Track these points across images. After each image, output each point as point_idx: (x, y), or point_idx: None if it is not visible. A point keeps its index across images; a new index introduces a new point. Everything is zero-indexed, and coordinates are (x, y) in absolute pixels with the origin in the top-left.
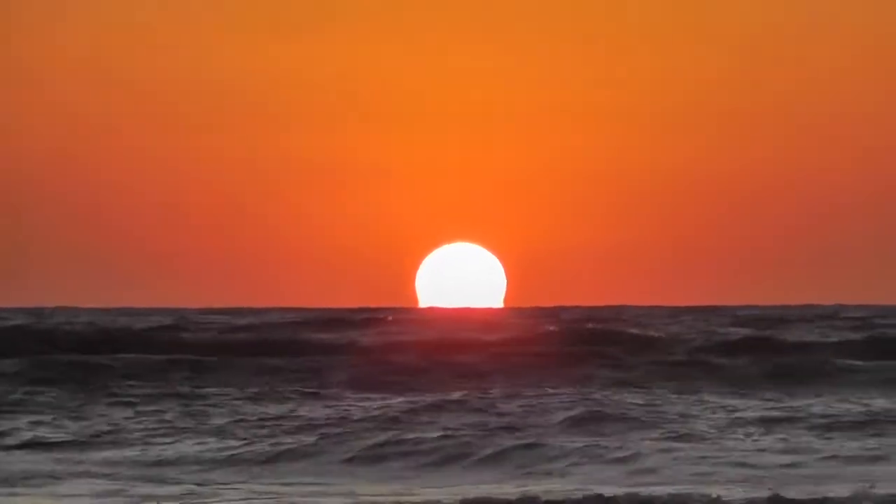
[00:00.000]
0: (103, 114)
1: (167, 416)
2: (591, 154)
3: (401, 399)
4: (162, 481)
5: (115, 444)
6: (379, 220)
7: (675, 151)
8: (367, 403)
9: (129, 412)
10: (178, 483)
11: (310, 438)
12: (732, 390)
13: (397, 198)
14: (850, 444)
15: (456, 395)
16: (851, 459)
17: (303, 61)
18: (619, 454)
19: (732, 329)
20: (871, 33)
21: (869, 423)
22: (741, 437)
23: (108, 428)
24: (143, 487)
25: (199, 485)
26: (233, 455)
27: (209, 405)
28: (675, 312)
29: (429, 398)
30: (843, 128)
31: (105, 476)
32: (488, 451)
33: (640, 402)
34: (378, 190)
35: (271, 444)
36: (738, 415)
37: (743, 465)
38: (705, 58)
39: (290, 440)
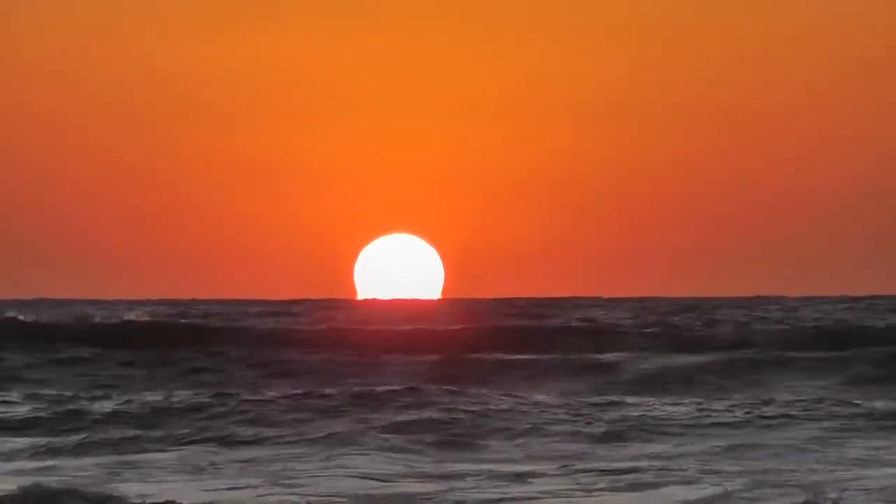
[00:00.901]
0: (55, 112)
1: None
2: (530, 146)
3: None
4: None
5: None
6: (317, 211)
7: (615, 145)
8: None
9: None
10: None
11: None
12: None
13: (335, 190)
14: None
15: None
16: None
17: (237, 59)
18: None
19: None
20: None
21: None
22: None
23: None
24: None
25: None
26: None
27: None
28: (614, 303)
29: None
30: (776, 123)
31: None
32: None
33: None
34: (316, 182)
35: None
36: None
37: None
38: (641, 53)
39: None
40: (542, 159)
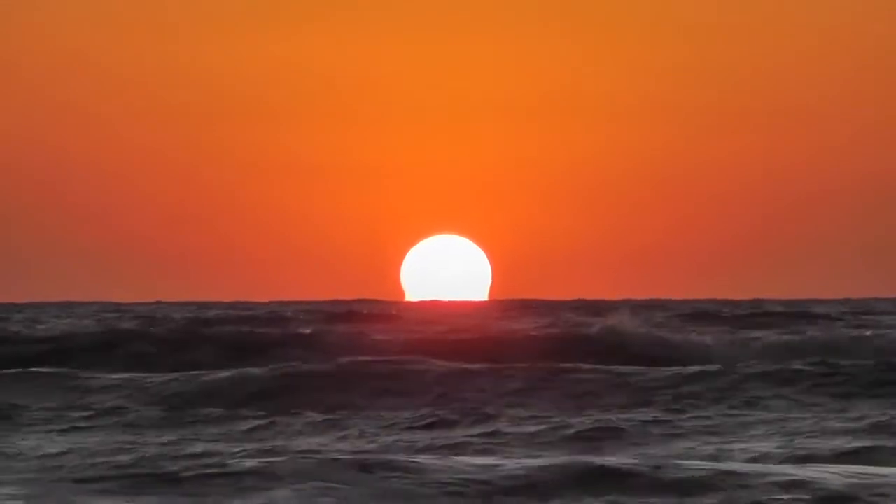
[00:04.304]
0: (94, 107)
1: None
2: (577, 146)
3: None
4: None
5: None
6: (363, 212)
7: (664, 143)
8: None
9: None
10: None
11: None
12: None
13: (383, 190)
14: None
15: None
16: None
17: (285, 58)
18: None
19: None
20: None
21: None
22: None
23: None
24: None
25: None
26: None
27: None
28: (650, 306)
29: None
30: (800, 123)
31: None
32: None
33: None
34: (363, 182)
35: None
36: None
37: None
38: (686, 51)
39: None
40: (591, 158)
